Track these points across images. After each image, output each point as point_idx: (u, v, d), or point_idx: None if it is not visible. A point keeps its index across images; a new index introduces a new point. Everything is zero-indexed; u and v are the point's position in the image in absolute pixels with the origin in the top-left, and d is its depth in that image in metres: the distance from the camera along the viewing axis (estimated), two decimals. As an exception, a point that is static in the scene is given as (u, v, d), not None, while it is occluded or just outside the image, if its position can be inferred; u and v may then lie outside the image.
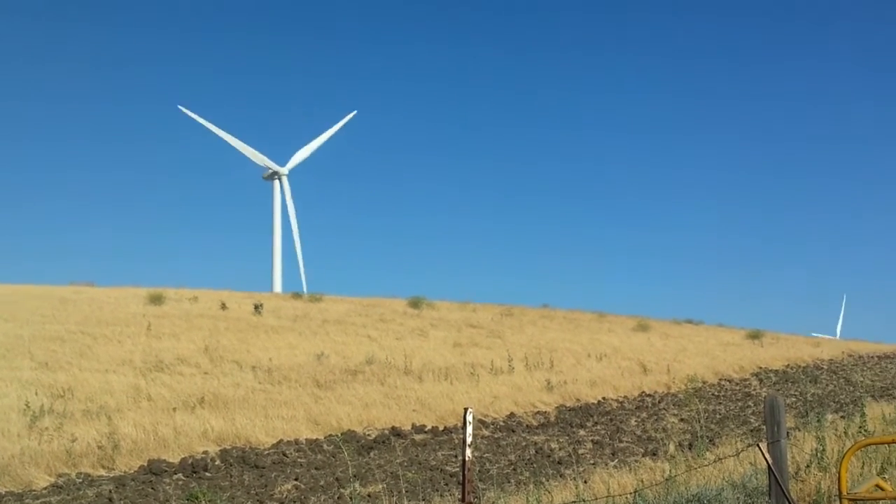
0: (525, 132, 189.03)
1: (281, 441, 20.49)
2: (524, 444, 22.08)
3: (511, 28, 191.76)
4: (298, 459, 19.16)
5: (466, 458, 5.75)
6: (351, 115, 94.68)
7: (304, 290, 78.53)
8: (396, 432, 22.38)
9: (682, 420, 25.76)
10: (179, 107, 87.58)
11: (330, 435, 21.33)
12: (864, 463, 13.90)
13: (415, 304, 58.56)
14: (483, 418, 25.03)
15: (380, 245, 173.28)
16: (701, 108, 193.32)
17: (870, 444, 9.33)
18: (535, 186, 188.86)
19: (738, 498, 11.99)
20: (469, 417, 5.76)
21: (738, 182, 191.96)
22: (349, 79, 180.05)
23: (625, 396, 30.36)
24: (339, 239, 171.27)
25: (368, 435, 22.00)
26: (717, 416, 26.84)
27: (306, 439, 20.97)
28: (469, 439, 5.73)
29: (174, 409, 21.77)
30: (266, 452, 19.52)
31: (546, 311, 66.23)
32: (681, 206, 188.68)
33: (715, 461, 13.66)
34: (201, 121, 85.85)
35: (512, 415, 25.96)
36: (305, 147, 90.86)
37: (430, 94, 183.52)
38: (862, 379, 37.77)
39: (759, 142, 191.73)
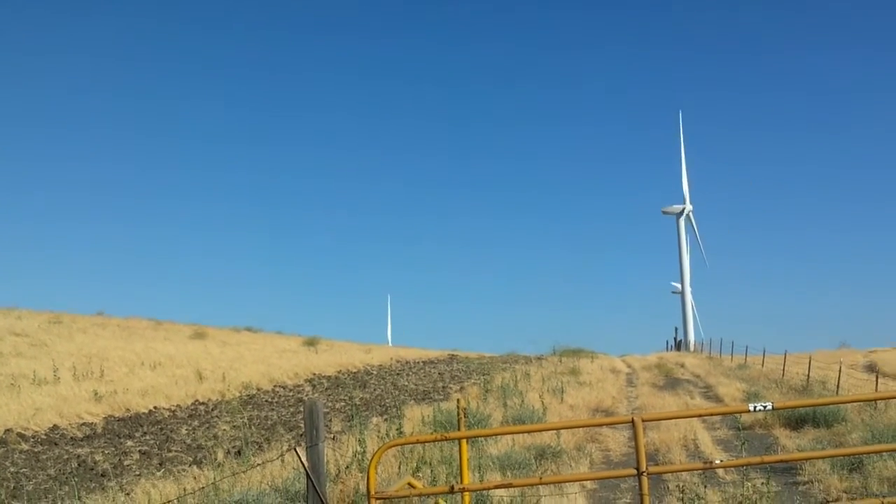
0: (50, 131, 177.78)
1: None
2: (66, 457, 21.01)
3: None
4: None
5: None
6: None
7: None
8: (-84, 451, 20.37)
9: (234, 427, 25.83)
10: None
11: None
12: (401, 463, 14.80)
13: (-51, 310, 53.61)
14: (23, 432, 23.48)
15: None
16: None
17: (396, 445, 9.92)
18: (92, 186, 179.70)
19: (279, 502, 12.28)
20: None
21: (272, 186, 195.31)
22: None
23: (178, 405, 29.88)
24: None
25: None
26: (269, 422, 27.23)
27: None
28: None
29: None
30: None
31: (100, 318, 63.34)
32: (232, 211, 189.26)
33: (255, 466, 13.85)
34: None
35: (55, 427, 24.60)
36: None
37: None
38: (407, 383, 40.09)
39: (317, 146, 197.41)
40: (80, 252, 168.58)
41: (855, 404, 20.55)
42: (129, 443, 23.33)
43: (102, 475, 18.59)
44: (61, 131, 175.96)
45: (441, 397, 32.47)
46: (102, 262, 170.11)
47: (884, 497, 9.18)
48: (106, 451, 21.69)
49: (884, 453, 13.28)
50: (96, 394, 28.59)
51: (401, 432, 16.30)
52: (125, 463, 20.22)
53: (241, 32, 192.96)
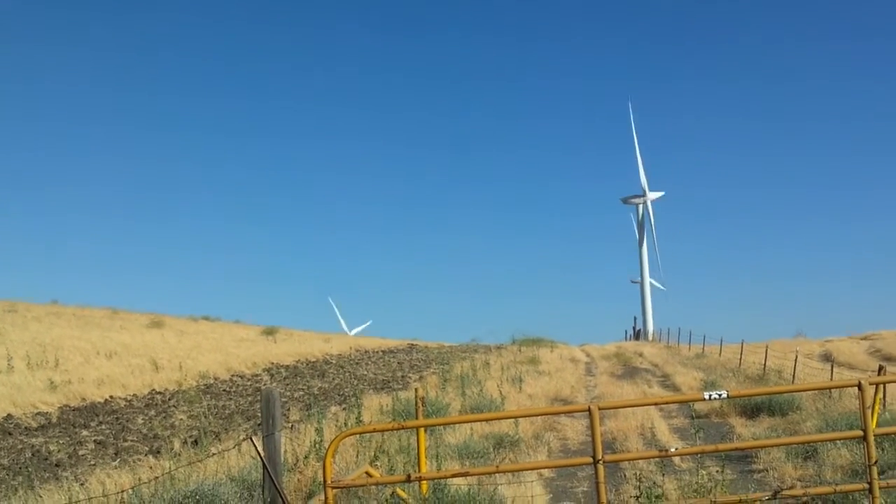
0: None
1: None
2: (21, 447, 20.75)
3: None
4: None
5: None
6: None
7: None
8: None
9: (191, 416, 25.64)
10: None
11: None
12: (358, 452, 14.75)
13: None
14: (-24, 421, 23.20)
15: None
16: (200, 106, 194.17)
17: (354, 434, 9.87)
18: (46, 175, 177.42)
19: (235, 491, 12.18)
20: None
21: (238, 180, 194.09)
22: None
23: (134, 395, 29.60)
24: None
25: None
26: (227, 411, 27.06)
27: None
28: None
29: None
30: None
31: (55, 307, 62.65)
32: (191, 199, 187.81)
33: (212, 455, 13.73)
34: None
35: (9, 416, 24.29)
36: None
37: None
38: (366, 373, 39.99)
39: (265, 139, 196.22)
40: (34, 240, 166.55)
41: (809, 393, 20.78)
42: (85, 432, 23.08)
43: (57, 465, 18.39)
44: (13, 122, 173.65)
45: (400, 386, 32.43)
46: (57, 250, 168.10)
47: (837, 485, 9.27)
48: (61, 441, 21.44)
49: (837, 441, 13.43)
50: (51, 383, 28.27)
51: (360, 421, 16.25)
52: (80, 453, 20.00)
53: (236, 26, 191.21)
